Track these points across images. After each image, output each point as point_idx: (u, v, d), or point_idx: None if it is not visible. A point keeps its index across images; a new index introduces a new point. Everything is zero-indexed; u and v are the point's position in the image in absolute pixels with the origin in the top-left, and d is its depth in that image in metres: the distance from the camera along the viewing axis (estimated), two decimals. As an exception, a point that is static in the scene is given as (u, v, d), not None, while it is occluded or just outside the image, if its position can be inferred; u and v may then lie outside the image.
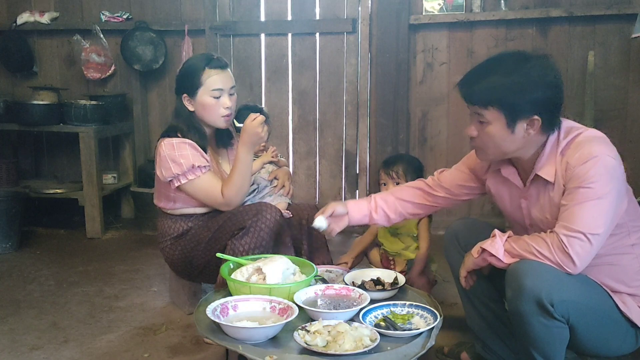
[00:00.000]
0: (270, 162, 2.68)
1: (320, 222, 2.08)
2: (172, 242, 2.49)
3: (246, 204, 2.51)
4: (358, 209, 2.14)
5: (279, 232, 2.33)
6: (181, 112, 2.44)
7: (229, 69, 2.45)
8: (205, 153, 2.41)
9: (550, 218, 1.76)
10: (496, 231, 1.79)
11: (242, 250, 2.24)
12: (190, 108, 2.42)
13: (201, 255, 2.40)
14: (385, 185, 2.63)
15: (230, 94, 2.42)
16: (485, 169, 2.00)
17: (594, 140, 1.69)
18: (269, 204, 2.38)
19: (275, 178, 2.64)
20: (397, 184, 2.58)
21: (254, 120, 2.31)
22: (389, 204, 2.14)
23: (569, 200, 1.66)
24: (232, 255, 2.19)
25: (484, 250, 1.77)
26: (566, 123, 1.78)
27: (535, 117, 1.68)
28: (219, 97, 2.39)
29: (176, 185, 2.36)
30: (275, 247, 2.31)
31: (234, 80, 2.46)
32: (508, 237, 1.76)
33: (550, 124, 1.73)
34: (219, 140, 2.57)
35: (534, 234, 1.74)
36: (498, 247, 1.74)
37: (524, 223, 1.89)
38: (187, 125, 2.41)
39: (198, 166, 2.33)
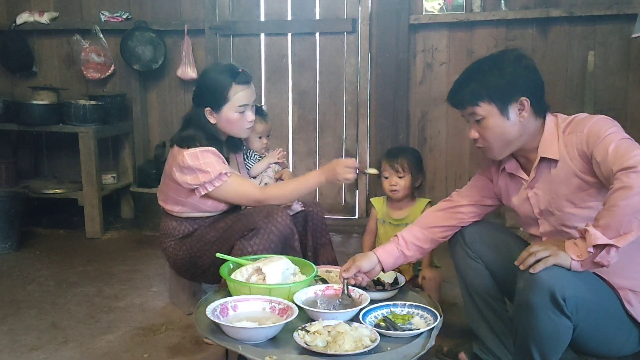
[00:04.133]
0: (275, 163, 2.72)
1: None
2: (176, 242, 2.49)
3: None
4: (388, 254, 2.06)
5: (288, 236, 2.33)
6: (201, 123, 2.41)
7: (252, 83, 2.45)
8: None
9: (558, 198, 1.80)
10: (587, 225, 1.57)
11: (250, 251, 2.25)
12: (212, 121, 2.42)
13: (207, 255, 2.40)
14: (387, 178, 2.63)
15: (252, 106, 2.45)
16: (495, 170, 2.03)
17: (590, 115, 1.81)
18: (280, 207, 2.40)
19: (280, 178, 2.67)
20: (401, 177, 2.59)
21: (348, 166, 2.32)
22: (417, 237, 2.09)
23: (601, 152, 1.65)
24: (240, 256, 2.19)
25: (599, 246, 1.52)
26: (562, 115, 1.89)
27: (523, 98, 1.80)
28: (244, 111, 2.40)
29: (203, 193, 2.35)
30: (283, 250, 2.30)
31: (255, 93, 2.47)
32: (586, 225, 1.57)
33: (540, 106, 1.83)
34: (230, 145, 2.57)
35: (605, 205, 1.58)
36: (600, 235, 1.52)
37: (533, 214, 1.92)
38: (207, 137, 2.40)
39: (225, 173, 2.34)
